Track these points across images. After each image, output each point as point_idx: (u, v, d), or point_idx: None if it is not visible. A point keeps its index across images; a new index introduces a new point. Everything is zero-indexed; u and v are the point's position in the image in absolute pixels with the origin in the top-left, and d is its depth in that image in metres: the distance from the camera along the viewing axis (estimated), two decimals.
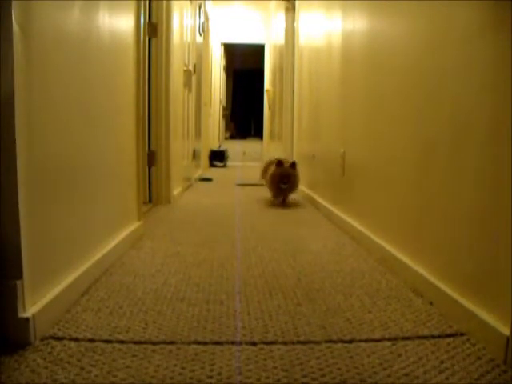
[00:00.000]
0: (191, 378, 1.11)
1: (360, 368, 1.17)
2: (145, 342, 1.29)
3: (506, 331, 1.19)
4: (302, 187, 4.34)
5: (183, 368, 1.16)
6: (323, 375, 1.13)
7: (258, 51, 9.86)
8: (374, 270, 2.02)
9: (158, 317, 1.47)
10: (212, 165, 8.24)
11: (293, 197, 4.23)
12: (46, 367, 1.14)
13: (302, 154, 4.72)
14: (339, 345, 1.30)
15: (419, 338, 1.35)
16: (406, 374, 1.14)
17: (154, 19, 3.71)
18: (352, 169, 2.82)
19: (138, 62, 2.48)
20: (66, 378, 1.10)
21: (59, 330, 1.35)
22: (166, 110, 3.83)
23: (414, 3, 1.89)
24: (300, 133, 4.98)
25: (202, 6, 6.15)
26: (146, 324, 1.41)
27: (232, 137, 14.18)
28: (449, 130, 1.57)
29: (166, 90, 3.81)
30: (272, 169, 3.90)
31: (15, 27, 1.17)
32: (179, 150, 4.44)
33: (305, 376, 1.13)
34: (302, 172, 4.15)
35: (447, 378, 1.12)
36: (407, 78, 1.96)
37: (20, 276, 1.22)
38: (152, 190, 3.81)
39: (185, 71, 4.69)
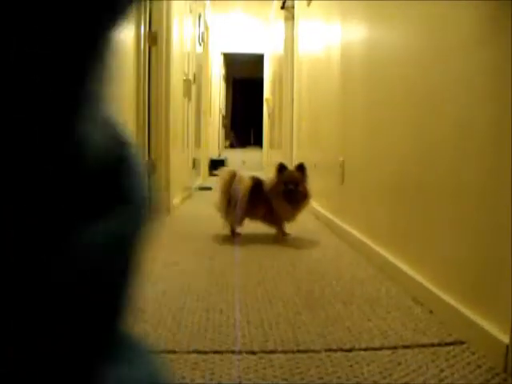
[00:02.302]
0: None
1: (360, 377, 1.17)
2: None
3: (505, 339, 1.19)
4: None
5: (183, 377, 1.15)
6: None
7: (257, 60, 9.92)
8: (373, 279, 2.02)
9: (157, 326, 1.47)
10: (212, 174, 8.24)
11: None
12: None
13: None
14: (339, 353, 1.30)
15: (419, 346, 1.35)
16: (406, 383, 1.14)
17: (154, 28, 3.73)
18: (351, 177, 2.83)
19: (137, 71, 2.50)
20: None
21: None
22: (165, 118, 3.84)
23: (412, 12, 1.91)
24: (299, 141, 4.99)
25: (202, 15, 6.19)
26: (146, 333, 1.41)
27: (232, 146, 14.21)
28: (450, 139, 1.57)
29: (165, 98, 3.83)
30: (271, 179, 2.83)
31: None
32: (179, 159, 4.45)
33: None
34: None
35: None
36: (406, 86, 1.97)
37: None
38: None
39: (184, 80, 4.71)
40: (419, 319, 1.55)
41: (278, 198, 2.75)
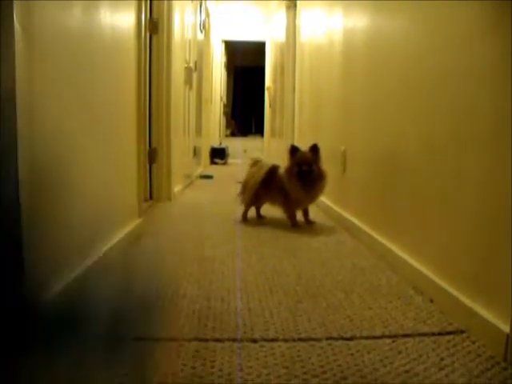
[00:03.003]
0: (192, 375, 1.12)
1: (360, 365, 1.17)
2: (147, 339, 1.29)
3: (505, 328, 1.20)
4: None
5: (184, 365, 1.16)
6: (324, 372, 1.14)
7: (259, 48, 9.85)
8: (374, 267, 2.02)
9: (159, 314, 1.47)
10: (213, 162, 8.23)
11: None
12: None
13: None
14: (340, 342, 1.30)
15: (419, 335, 1.35)
16: (407, 371, 1.15)
17: (155, 16, 3.71)
18: (353, 166, 2.82)
19: (139, 59, 2.48)
20: None
21: None
22: (166, 106, 3.82)
23: (414, 3, 1.89)
24: (301, 130, 4.97)
25: (203, 2, 6.15)
26: (148, 321, 1.41)
27: (233, 134, 14.18)
28: (450, 129, 1.57)
29: (166, 86, 3.81)
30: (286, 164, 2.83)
31: (17, 26, 1.17)
32: (180, 147, 4.44)
33: (305, 373, 1.13)
34: None
35: (447, 375, 1.13)
36: (408, 76, 1.96)
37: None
38: (153, 187, 3.81)
39: (186, 68, 4.69)
40: (420, 308, 1.56)
41: (292, 180, 2.76)
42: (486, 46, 1.36)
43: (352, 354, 1.23)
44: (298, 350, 1.25)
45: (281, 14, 6.29)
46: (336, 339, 1.32)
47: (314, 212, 3.27)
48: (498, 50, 1.30)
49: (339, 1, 3.23)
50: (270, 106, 8.37)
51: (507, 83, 1.22)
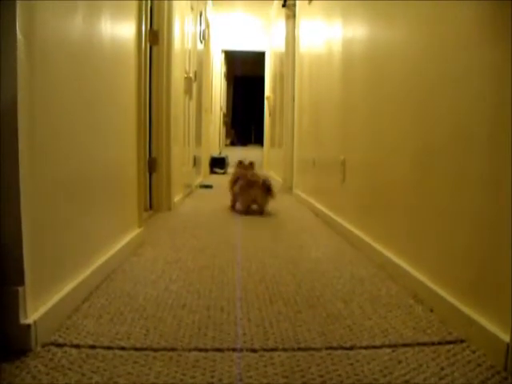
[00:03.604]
0: None
1: (360, 375, 1.17)
2: (146, 349, 1.29)
3: (506, 338, 1.20)
4: (300, 193, 4.34)
5: (184, 375, 1.16)
6: (323, 382, 1.14)
7: (258, 58, 9.90)
8: (374, 277, 2.02)
9: (158, 323, 1.47)
10: (212, 171, 8.24)
11: (289, 201, 4.17)
12: (48, 374, 1.14)
13: (303, 161, 4.73)
14: (339, 351, 1.30)
15: (419, 344, 1.35)
16: (407, 381, 1.14)
17: (155, 26, 3.73)
18: (352, 175, 2.83)
19: (139, 69, 2.49)
20: None
21: (60, 336, 1.35)
22: (166, 116, 3.84)
23: (412, 11, 1.91)
24: (300, 140, 4.99)
25: (203, 13, 6.18)
26: (147, 331, 1.41)
27: (232, 143, 14.23)
28: (449, 137, 1.58)
29: (166, 96, 3.83)
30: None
31: (19, 36, 1.18)
32: (180, 157, 4.45)
33: (305, 382, 1.13)
34: (302, 178, 4.11)
35: None
36: (407, 84, 1.97)
37: (22, 282, 1.22)
38: (153, 197, 3.82)
39: (186, 78, 4.71)
40: (420, 317, 1.56)
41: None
42: (485, 48, 1.36)
43: (352, 364, 1.23)
44: (298, 360, 1.25)
45: (280, 24, 6.33)
46: (336, 349, 1.32)
47: (312, 220, 3.28)
48: (497, 52, 1.30)
49: (338, 10, 3.26)
50: (269, 115, 8.39)
51: (507, 85, 1.23)
